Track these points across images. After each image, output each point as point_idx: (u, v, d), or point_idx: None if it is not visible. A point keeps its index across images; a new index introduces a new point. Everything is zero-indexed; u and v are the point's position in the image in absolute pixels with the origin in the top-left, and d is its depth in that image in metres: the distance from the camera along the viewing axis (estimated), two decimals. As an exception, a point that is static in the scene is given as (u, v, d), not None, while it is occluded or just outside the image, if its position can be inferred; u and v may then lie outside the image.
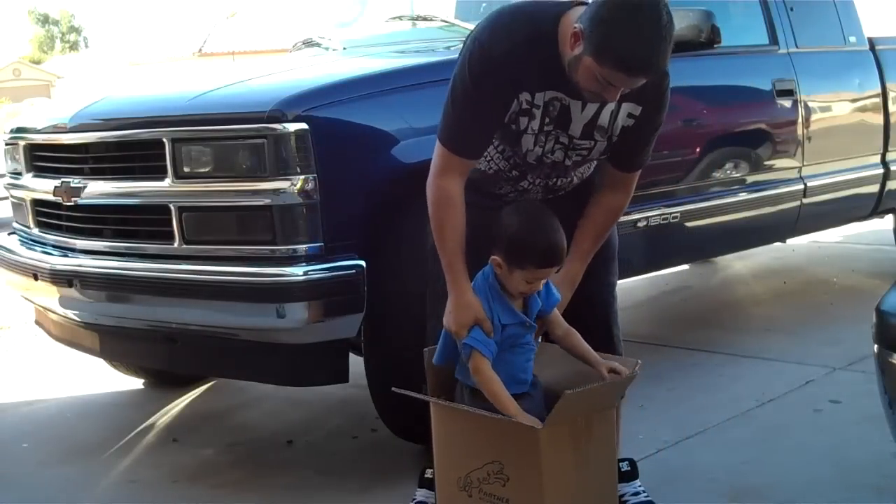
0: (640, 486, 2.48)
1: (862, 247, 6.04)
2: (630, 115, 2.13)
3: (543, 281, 2.13)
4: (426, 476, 2.49)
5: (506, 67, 2.03)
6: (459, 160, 2.13)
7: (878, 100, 4.55)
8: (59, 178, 3.03)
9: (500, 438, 2.06)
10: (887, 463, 2.66)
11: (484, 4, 3.97)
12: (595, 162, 2.31)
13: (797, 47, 4.15)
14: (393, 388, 2.24)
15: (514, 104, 2.09)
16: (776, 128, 4.04)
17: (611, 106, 2.09)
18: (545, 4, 2.11)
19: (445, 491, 2.19)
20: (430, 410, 2.21)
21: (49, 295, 3.06)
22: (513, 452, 2.05)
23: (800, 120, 4.07)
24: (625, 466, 2.48)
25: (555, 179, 2.27)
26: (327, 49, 3.86)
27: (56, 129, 3.11)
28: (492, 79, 2.04)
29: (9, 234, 3.50)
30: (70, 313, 3.10)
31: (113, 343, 3.18)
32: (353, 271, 2.60)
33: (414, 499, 2.49)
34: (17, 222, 3.49)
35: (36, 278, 3.06)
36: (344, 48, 3.80)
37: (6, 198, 3.58)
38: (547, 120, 2.11)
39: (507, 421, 2.02)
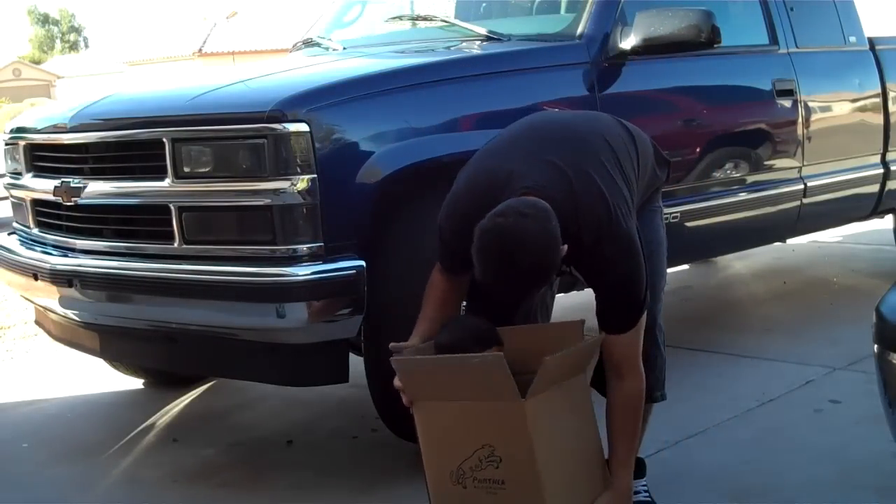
0: (642, 486, 2.48)
1: (862, 247, 6.04)
2: (571, 273, 2.22)
3: None
4: None
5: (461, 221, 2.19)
6: (440, 270, 2.37)
7: (878, 100, 4.54)
8: (59, 178, 3.03)
9: (486, 421, 2.07)
10: (887, 463, 2.66)
11: (484, 4, 3.98)
12: None
13: (797, 47, 4.14)
14: (391, 349, 2.25)
15: None
16: (776, 128, 4.04)
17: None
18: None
19: (439, 488, 2.19)
20: (414, 412, 2.20)
21: (49, 295, 3.06)
22: (500, 432, 2.06)
23: (800, 120, 4.06)
24: None
25: None
26: (327, 49, 3.86)
27: (56, 129, 3.11)
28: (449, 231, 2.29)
29: (9, 234, 3.50)
30: (70, 313, 3.10)
31: (113, 343, 3.18)
32: (353, 271, 2.60)
33: None
34: (17, 222, 3.49)
35: (36, 278, 3.06)
36: (344, 48, 3.80)
37: (6, 198, 3.58)
38: None
39: (491, 403, 2.03)
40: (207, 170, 2.66)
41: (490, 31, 3.43)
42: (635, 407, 2.27)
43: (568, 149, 2.22)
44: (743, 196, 3.87)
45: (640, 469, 2.50)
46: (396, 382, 2.18)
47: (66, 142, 3.05)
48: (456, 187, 2.29)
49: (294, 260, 2.57)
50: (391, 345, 2.29)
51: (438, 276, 2.36)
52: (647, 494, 2.47)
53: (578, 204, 2.12)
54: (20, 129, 3.32)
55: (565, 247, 2.04)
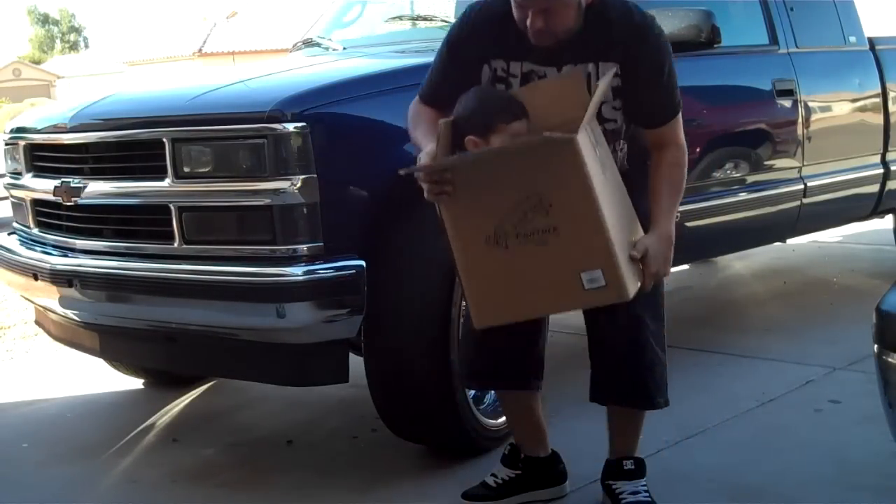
0: (642, 486, 2.48)
1: (862, 247, 6.04)
2: (616, 76, 2.25)
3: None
4: (504, 452, 2.63)
5: (471, 36, 2.36)
6: (421, 103, 2.45)
7: (878, 100, 4.55)
8: (59, 178, 3.03)
9: (534, 169, 2.04)
10: (887, 463, 2.66)
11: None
12: (622, 140, 2.35)
13: (797, 47, 4.15)
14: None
15: (486, 70, 2.34)
16: (776, 128, 4.04)
17: (587, 68, 2.26)
18: None
19: (472, 261, 2.11)
20: (453, 174, 2.10)
21: (49, 295, 3.06)
22: (551, 174, 2.02)
23: (800, 120, 4.06)
24: (629, 465, 2.49)
25: None
26: (327, 49, 3.86)
27: (56, 129, 3.11)
28: (458, 44, 2.40)
29: (9, 234, 3.50)
30: (70, 313, 3.10)
31: (113, 343, 3.18)
32: (353, 271, 2.60)
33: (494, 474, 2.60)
34: (17, 222, 3.48)
35: (36, 278, 3.06)
36: (344, 48, 3.80)
37: (6, 198, 3.57)
38: None
39: (541, 141, 2.02)
40: (207, 170, 2.66)
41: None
42: (681, 164, 2.35)
43: None
44: (743, 196, 3.87)
45: (640, 469, 2.50)
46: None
47: (66, 142, 3.05)
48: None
49: (294, 260, 2.57)
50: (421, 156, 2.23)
51: (420, 107, 2.43)
52: (647, 494, 2.47)
53: None
54: (20, 129, 3.32)
55: None
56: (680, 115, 2.36)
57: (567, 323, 3.24)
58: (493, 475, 2.60)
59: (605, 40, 2.25)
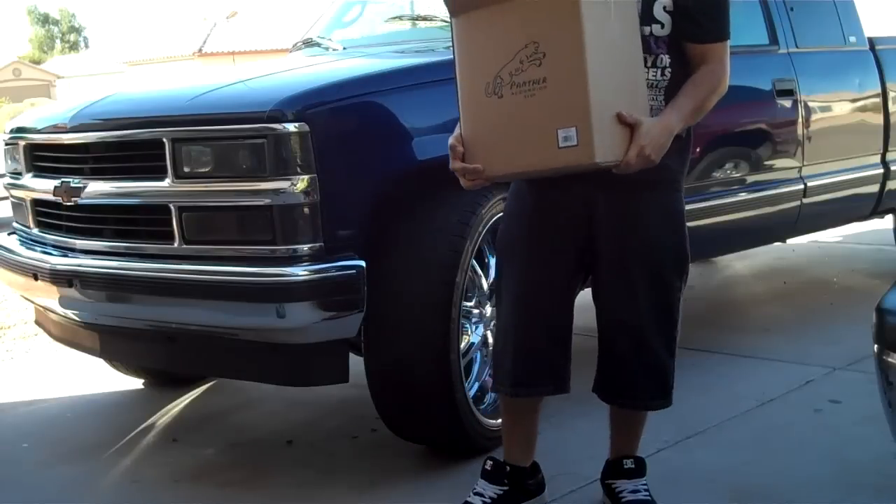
0: (642, 485, 2.48)
1: (862, 247, 6.05)
2: None
3: None
4: (485, 468, 2.50)
5: None
6: None
7: (878, 100, 4.54)
8: (59, 178, 3.03)
9: (535, 15, 2.04)
10: (887, 463, 2.66)
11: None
12: (666, 55, 2.27)
13: (797, 47, 4.15)
14: None
15: None
16: (776, 128, 4.04)
17: None
18: None
19: (472, 108, 2.14)
20: (454, 27, 2.17)
21: (49, 295, 3.06)
22: (549, 23, 2.02)
23: (800, 120, 4.07)
24: (629, 464, 2.49)
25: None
26: (327, 49, 3.86)
27: (56, 129, 3.10)
28: None
29: (9, 234, 3.50)
30: (70, 313, 3.10)
31: (113, 343, 3.18)
32: (353, 271, 2.60)
33: (474, 488, 2.50)
34: (17, 222, 3.48)
35: (36, 278, 3.06)
36: (344, 48, 3.80)
37: (6, 198, 3.58)
38: None
39: None
40: (207, 170, 2.66)
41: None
42: (715, 76, 2.28)
43: None
44: (743, 196, 3.87)
45: (640, 468, 2.50)
46: None
47: (66, 142, 3.05)
48: None
49: (294, 260, 2.57)
50: None
51: None
52: (646, 493, 2.47)
53: None
54: (20, 129, 3.32)
55: None
56: (727, 45, 2.31)
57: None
58: (478, 494, 2.48)
59: None
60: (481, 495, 2.47)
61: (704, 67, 2.26)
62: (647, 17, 2.20)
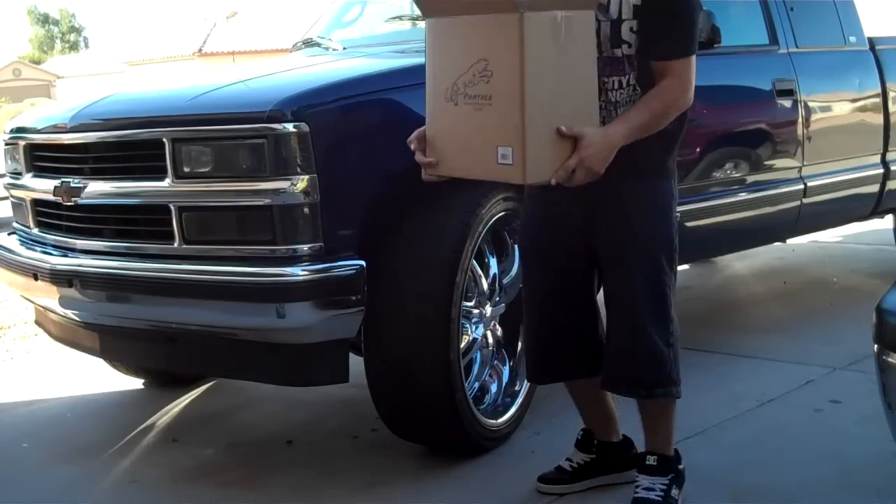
0: (660, 484, 2.47)
1: (862, 247, 6.04)
2: (634, 6, 2.25)
3: None
4: (578, 437, 2.69)
5: None
6: None
7: (878, 100, 4.54)
8: (59, 178, 3.03)
9: (487, 34, 2.12)
10: (887, 463, 2.66)
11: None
12: (633, 72, 2.30)
13: (797, 47, 4.14)
14: None
15: None
16: (776, 128, 4.04)
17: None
18: None
19: (434, 107, 2.25)
20: (426, 27, 2.28)
21: (49, 295, 3.06)
22: (497, 44, 2.10)
23: (800, 120, 4.06)
24: (651, 460, 2.49)
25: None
26: (327, 49, 3.86)
27: (56, 129, 3.10)
28: None
29: (9, 234, 3.50)
30: (70, 313, 3.10)
31: (113, 343, 3.18)
32: (353, 271, 2.60)
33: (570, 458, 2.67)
34: (17, 222, 3.48)
35: (36, 278, 3.06)
36: (344, 48, 3.80)
37: (6, 198, 3.57)
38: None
39: (494, 15, 2.08)
40: (207, 170, 2.66)
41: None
42: (668, 93, 2.28)
43: None
44: (743, 196, 3.87)
45: (662, 467, 2.49)
46: None
47: (66, 142, 3.05)
48: None
49: (294, 260, 2.57)
50: None
51: None
52: (661, 493, 2.45)
53: None
54: (20, 129, 3.32)
55: None
56: (691, 61, 2.31)
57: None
58: (568, 459, 2.67)
59: None
60: (570, 460, 2.67)
61: (662, 83, 2.29)
62: (616, 39, 2.26)
